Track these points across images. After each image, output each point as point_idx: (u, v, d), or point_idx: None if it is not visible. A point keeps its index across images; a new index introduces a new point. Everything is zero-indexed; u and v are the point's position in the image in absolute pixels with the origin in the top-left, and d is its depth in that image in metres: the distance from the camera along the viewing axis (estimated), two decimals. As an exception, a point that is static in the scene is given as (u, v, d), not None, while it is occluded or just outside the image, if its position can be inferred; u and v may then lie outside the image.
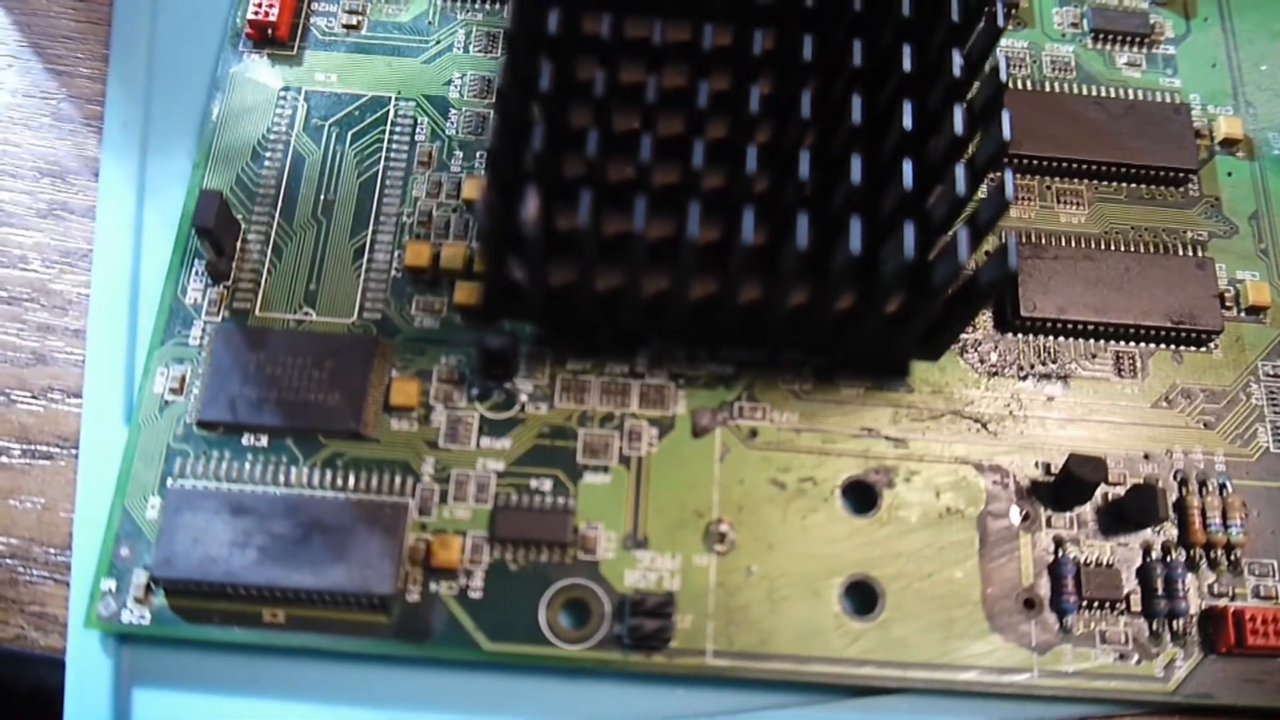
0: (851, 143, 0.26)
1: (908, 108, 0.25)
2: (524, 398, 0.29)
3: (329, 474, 0.28)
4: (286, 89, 0.32)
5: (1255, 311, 0.31)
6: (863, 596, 0.28)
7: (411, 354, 0.29)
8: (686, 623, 0.27)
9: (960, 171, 0.25)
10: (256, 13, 0.31)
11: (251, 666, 0.27)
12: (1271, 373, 0.31)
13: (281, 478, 0.28)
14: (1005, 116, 0.25)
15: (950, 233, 0.25)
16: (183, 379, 0.28)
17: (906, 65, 0.26)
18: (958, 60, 0.26)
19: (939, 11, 0.27)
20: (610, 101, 0.26)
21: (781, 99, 0.28)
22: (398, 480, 0.28)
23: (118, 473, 0.27)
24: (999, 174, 0.26)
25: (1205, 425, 0.30)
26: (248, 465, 0.28)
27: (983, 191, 0.29)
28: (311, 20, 0.33)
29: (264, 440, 0.28)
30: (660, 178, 0.27)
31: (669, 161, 0.27)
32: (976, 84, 0.27)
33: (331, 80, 0.32)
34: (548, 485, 0.28)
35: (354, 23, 0.33)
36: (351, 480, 0.28)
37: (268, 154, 0.31)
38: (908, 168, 0.25)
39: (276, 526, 0.27)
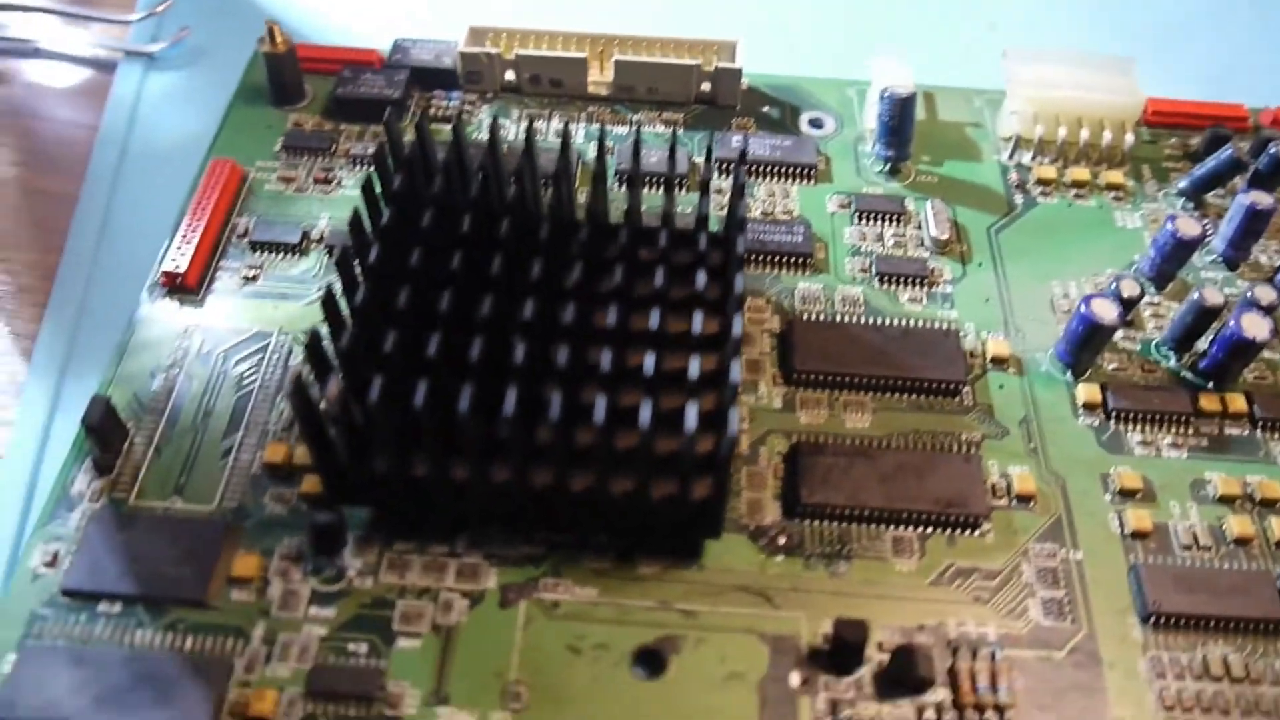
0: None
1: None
2: (352, 573, 0.33)
3: (170, 636, 0.31)
4: (188, 327, 0.38)
5: (1024, 500, 0.35)
6: (647, 752, 0.30)
7: (260, 536, 0.33)
8: (477, 773, 0.29)
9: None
10: (170, 265, 0.38)
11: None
12: (1040, 553, 0.34)
13: (128, 640, 0.31)
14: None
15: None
16: (55, 555, 0.33)
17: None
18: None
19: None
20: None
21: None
22: (230, 643, 0.31)
23: (-18, 636, 0.31)
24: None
25: (978, 600, 0.33)
26: (99, 628, 0.31)
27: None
28: (218, 274, 0.40)
29: (118, 607, 0.32)
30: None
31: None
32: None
33: (225, 319, 0.38)
34: (364, 648, 0.31)
35: (252, 275, 0.40)
36: (189, 642, 0.31)
37: (162, 376, 0.37)
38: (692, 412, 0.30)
39: (113, 678, 0.30)
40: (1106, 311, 0.36)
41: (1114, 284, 0.38)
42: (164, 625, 0.32)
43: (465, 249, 0.33)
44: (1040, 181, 0.45)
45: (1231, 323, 0.37)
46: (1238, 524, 0.34)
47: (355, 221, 0.33)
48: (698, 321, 0.32)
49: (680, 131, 0.45)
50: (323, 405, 0.31)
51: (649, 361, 0.31)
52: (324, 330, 0.31)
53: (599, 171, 0.36)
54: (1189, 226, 0.40)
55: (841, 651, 0.31)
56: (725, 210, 0.38)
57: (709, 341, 0.34)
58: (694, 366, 0.31)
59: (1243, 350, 0.37)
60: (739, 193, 0.35)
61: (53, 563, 0.33)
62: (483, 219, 0.34)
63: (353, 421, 0.31)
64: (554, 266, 0.34)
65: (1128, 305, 0.37)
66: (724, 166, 0.44)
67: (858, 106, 0.47)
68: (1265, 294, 0.38)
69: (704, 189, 0.35)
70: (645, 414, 0.29)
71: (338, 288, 0.32)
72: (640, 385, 0.31)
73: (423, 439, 0.30)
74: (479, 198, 0.34)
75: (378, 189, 0.35)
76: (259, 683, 0.31)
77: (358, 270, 0.33)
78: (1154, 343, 0.39)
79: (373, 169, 0.35)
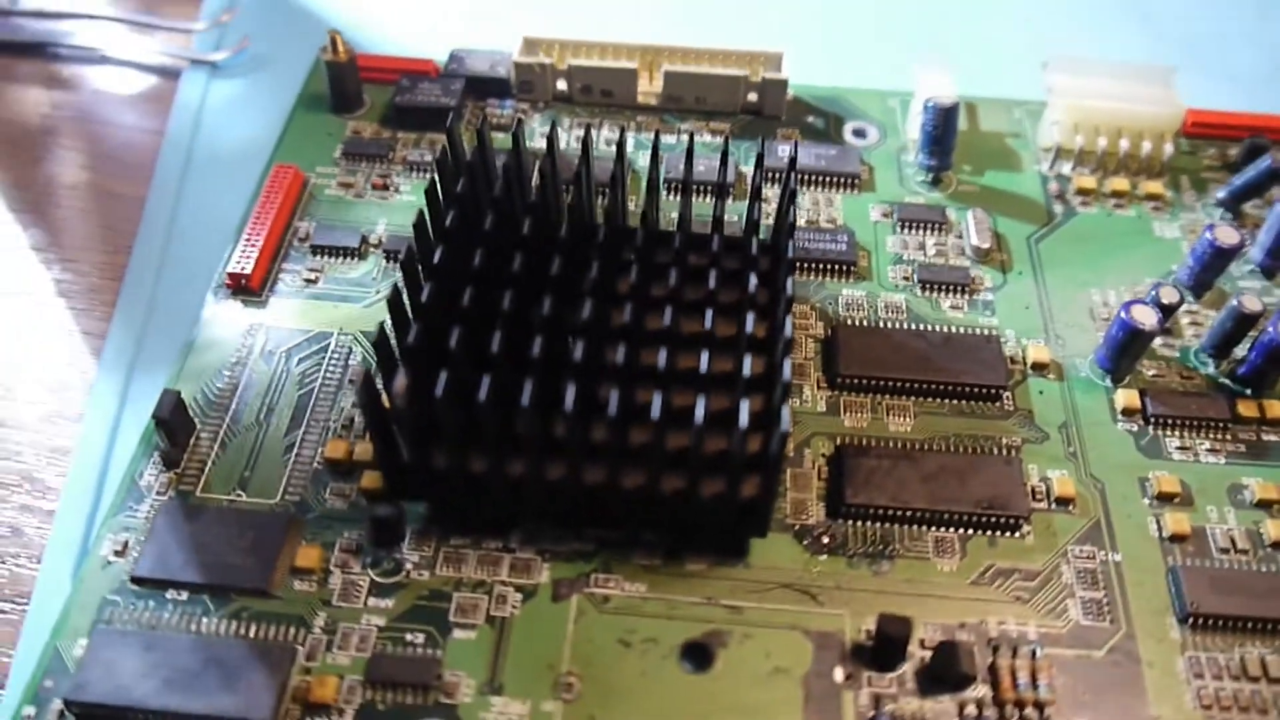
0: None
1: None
2: (409, 565, 0.34)
3: (235, 624, 0.32)
4: (251, 326, 0.39)
5: (1063, 502, 0.36)
6: (693, 744, 0.31)
7: (320, 529, 0.35)
8: (530, 761, 0.30)
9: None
10: (236, 267, 0.40)
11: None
12: (1079, 554, 0.35)
13: (195, 626, 0.32)
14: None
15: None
16: (125, 544, 0.34)
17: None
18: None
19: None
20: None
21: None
22: (292, 631, 0.32)
23: (56, 620, 0.33)
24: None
25: (1018, 600, 0.34)
26: (167, 614, 0.33)
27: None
28: (280, 276, 0.41)
29: (184, 595, 0.33)
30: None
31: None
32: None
33: (287, 319, 0.40)
34: (420, 638, 0.32)
35: (313, 277, 0.41)
36: (254, 630, 0.32)
37: (227, 373, 0.38)
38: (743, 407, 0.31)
39: (181, 661, 0.31)
40: (1146, 318, 0.37)
41: (1154, 291, 0.39)
42: (229, 613, 0.33)
43: (525, 251, 0.34)
44: (1080, 191, 0.45)
45: (1270, 329, 0.37)
46: (1275, 528, 0.35)
47: (419, 223, 0.34)
48: (749, 324, 0.33)
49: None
50: (385, 402, 0.32)
51: (703, 361, 0.32)
52: (389, 328, 0.33)
53: (653, 179, 0.37)
54: (1228, 235, 0.40)
55: (885, 647, 0.32)
56: (773, 217, 0.39)
57: (758, 344, 0.35)
58: (746, 366, 0.32)
59: (1281, 357, 0.38)
60: (790, 198, 0.36)
61: (122, 552, 0.34)
62: (541, 223, 0.35)
63: (416, 417, 0.32)
64: (609, 270, 0.35)
65: (1167, 312, 0.38)
66: (770, 176, 0.45)
67: (900, 117, 0.48)
68: (1305, 303, 0.38)
69: (755, 195, 0.36)
70: (698, 413, 0.30)
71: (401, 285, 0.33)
72: (691, 385, 0.32)
73: (483, 435, 0.31)
74: (537, 202, 0.35)
75: (440, 192, 0.36)
76: (320, 670, 0.32)
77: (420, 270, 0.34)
78: (1193, 350, 0.40)
79: (435, 174, 0.36)
